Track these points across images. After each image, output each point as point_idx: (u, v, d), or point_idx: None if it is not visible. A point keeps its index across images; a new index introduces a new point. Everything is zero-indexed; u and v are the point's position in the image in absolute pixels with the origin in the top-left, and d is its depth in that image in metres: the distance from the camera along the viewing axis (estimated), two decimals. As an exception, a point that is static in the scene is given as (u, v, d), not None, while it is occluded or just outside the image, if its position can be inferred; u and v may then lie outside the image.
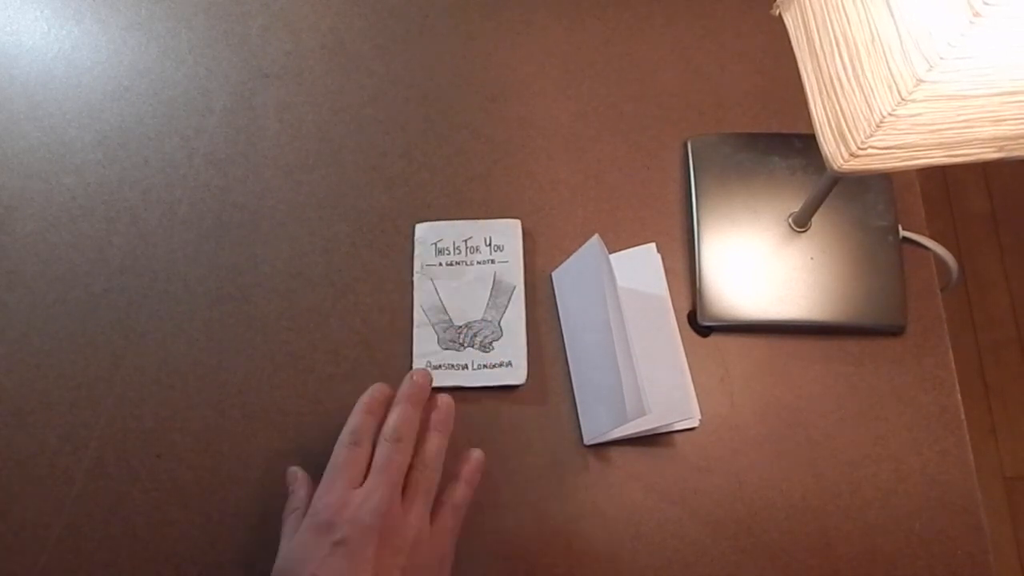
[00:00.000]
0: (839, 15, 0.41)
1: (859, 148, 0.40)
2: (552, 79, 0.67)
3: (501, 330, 0.59)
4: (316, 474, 0.56)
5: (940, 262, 0.60)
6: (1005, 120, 0.38)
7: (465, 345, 0.59)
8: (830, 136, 0.42)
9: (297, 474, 0.52)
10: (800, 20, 0.44)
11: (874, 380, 0.58)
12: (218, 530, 0.55)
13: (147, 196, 0.63)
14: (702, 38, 0.68)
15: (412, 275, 0.61)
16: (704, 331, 0.60)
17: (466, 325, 0.59)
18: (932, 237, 0.60)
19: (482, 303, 0.60)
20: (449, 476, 0.50)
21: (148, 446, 0.57)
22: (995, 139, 0.39)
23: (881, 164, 0.40)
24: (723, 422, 0.57)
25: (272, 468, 0.56)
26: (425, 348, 0.59)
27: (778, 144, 0.63)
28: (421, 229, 0.62)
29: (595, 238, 0.54)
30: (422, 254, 0.61)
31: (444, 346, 0.59)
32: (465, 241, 0.61)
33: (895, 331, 0.59)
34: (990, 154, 0.40)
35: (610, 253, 0.58)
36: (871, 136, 0.39)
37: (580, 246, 0.57)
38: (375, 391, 0.51)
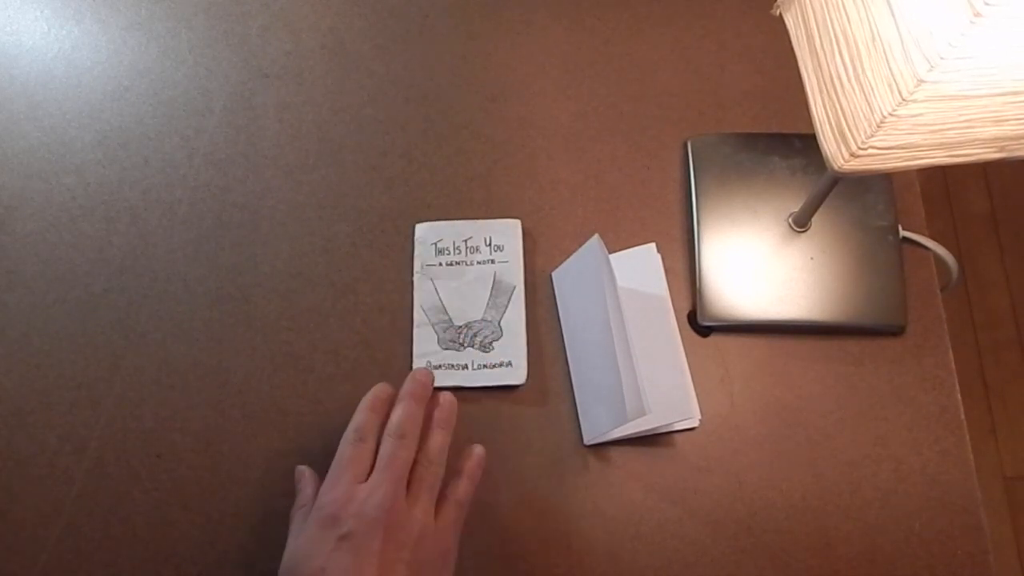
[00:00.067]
0: (839, 14, 0.41)
1: (859, 148, 0.40)
2: (552, 79, 0.67)
3: (501, 330, 0.59)
4: (318, 474, 0.55)
5: (940, 262, 0.60)
6: (1006, 120, 0.38)
7: (465, 345, 0.59)
8: (830, 136, 0.42)
9: (304, 472, 0.52)
10: (800, 20, 0.44)
11: (874, 380, 0.58)
12: (218, 530, 0.55)
13: (147, 196, 0.63)
14: (702, 38, 0.68)
15: (412, 275, 0.61)
16: (704, 331, 0.60)
17: (466, 325, 0.59)
18: (932, 237, 0.60)
19: (482, 303, 0.60)
20: (451, 472, 0.51)
21: (148, 446, 0.57)
22: (996, 139, 0.39)
23: (882, 164, 0.40)
24: (723, 422, 0.57)
25: (272, 468, 0.56)
26: (425, 348, 0.59)
27: (778, 144, 0.63)
28: (421, 229, 0.62)
29: (595, 238, 0.54)
30: (422, 254, 0.61)
31: (444, 346, 0.59)
32: (465, 241, 0.61)
33: (895, 331, 0.59)
34: (991, 154, 0.40)
35: (610, 253, 0.58)
36: (872, 136, 0.39)
37: (580, 246, 0.57)
38: (378, 390, 0.52)
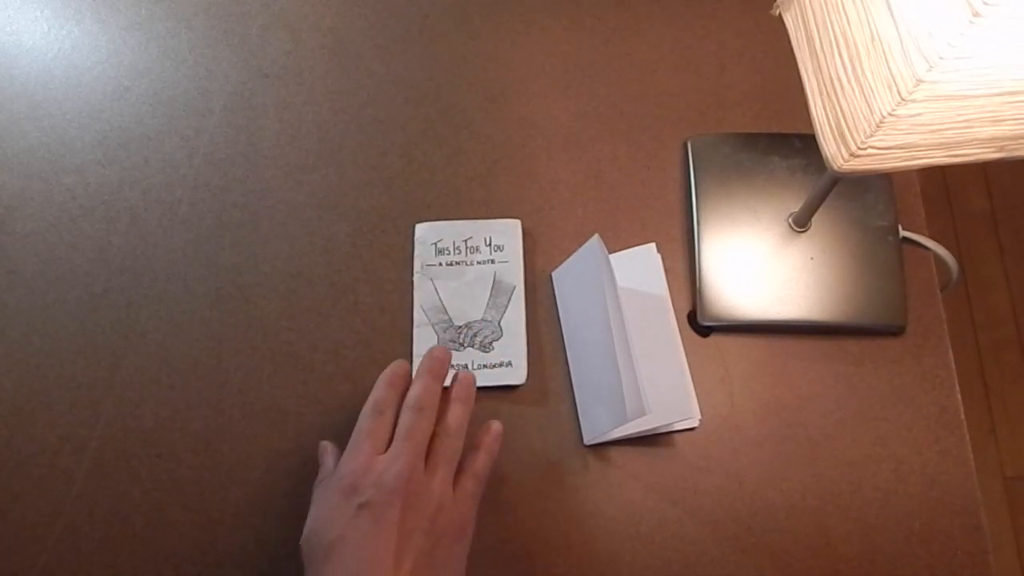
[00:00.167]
0: (839, 15, 0.41)
1: (859, 148, 0.40)
2: (552, 79, 0.67)
3: (501, 330, 0.59)
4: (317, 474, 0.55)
5: (940, 262, 0.60)
6: (1005, 120, 0.38)
7: (465, 345, 0.59)
8: (830, 136, 0.42)
9: (327, 446, 0.53)
10: (800, 20, 0.44)
11: (874, 380, 0.58)
12: (218, 530, 0.55)
13: (147, 196, 0.63)
14: (702, 38, 0.68)
15: (412, 275, 0.61)
16: (704, 331, 0.60)
17: (466, 325, 0.59)
18: (932, 237, 0.60)
19: (482, 303, 0.60)
20: (469, 447, 0.52)
21: (148, 446, 0.57)
22: (995, 139, 0.39)
23: (881, 164, 0.40)
24: (723, 422, 0.57)
25: (272, 468, 0.56)
26: (425, 348, 0.58)
27: (778, 144, 0.63)
28: (421, 229, 0.62)
29: (595, 238, 0.54)
30: (422, 254, 0.61)
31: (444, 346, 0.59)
32: (465, 241, 0.61)
33: (895, 331, 0.59)
34: (990, 154, 0.40)
35: (610, 253, 0.58)
36: (871, 136, 0.39)
37: (580, 246, 0.57)
38: (396, 366, 0.53)
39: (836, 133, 0.41)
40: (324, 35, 0.68)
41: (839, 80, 0.40)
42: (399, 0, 0.70)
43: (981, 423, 1.40)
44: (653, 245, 0.61)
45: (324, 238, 0.62)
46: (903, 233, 0.60)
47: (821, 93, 0.42)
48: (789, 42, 0.45)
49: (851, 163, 0.40)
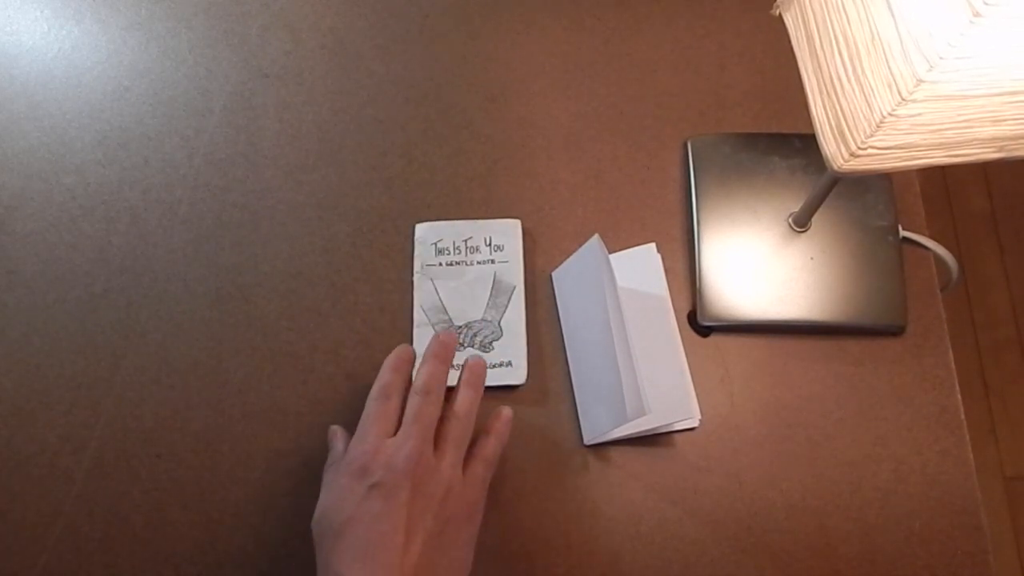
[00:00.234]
0: (839, 15, 0.41)
1: (859, 148, 0.40)
2: (552, 79, 0.67)
3: (501, 330, 0.59)
4: (319, 475, 0.55)
5: (940, 262, 0.60)
6: (1005, 120, 0.38)
7: (465, 345, 0.59)
8: (830, 136, 0.42)
9: (336, 431, 0.54)
10: (800, 20, 0.44)
11: (874, 380, 0.58)
12: (218, 530, 0.55)
13: (147, 196, 0.63)
14: (702, 38, 0.68)
15: (412, 275, 0.61)
16: (704, 331, 0.60)
17: (466, 325, 0.59)
18: (932, 237, 0.60)
19: (482, 303, 0.60)
20: (479, 432, 0.52)
21: (148, 446, 0.57)
22: (995, 139, 0.39)
23: (881, 164, 0.40)
24: (723, 422, 0.57)
25: (272, 468, 0.56)
26: (425, 348, 0.58)
27: (778, 144, 0.63)
28: (421, 229, 0.62)
29: (595, 238, 0.54)
30: (422, 254, 0.61)
31: (444, 346, 0.59)
32: (465, 241, 0.61)
33: (895, 331, 0.59)
34: (990, 154, 0.40)
35: (610, 253, 0.58)
36: (871, 136, 0.39)
37: (580, 246, 0.57)
38: (400, 351, 0.54)
39: (836, 133, 0.41)
40: (324, 35, 0.68)
41: (839, 80, 0.40)
42: (399, 0, 0.70)
43: (981, 423, 1.40)
44: (653, 245, 0.61)
45: (324, 238, 0.62)
46: (903, 233, 0.60)
47: (821, 93, 0.42)
48: (789, 42, 0.45)
49: (851, 163, 0.40)
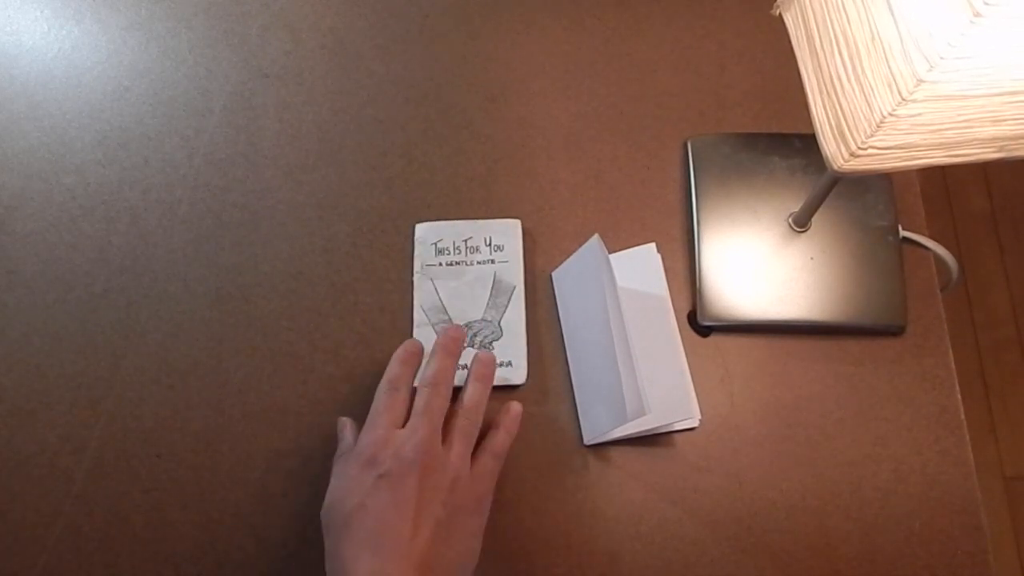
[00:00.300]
0: (839, 15, 0.41)
1: (859, 148, 0.40)
2: (552, 79, 0.67)
3: (501, 330, 0.59)
4: (319, 475, 0.56)
5: (940, 262, 0.60)
6: (1005, 120, 0.38)
7: (465, 345, 0.59)
8: (830, 136, 0.42)
9: (346, 423, 0.54)
10: (800, 20, 0.44)
11: (874, 380, 0.58)
12: (218, 530, 0.55)
13: (147, 196, 0.63)
14: (702, 38, 0.68)
15: (412, 275, 0.61)
16: (704, 331, 0.60)
17: (466, 325, 0.59)
18: (932, 237, 0.60)
19: (482, 303, 0.60)
20: (488, 426, 0.53)
21: (148, 446, 0.57)
22: (995, 139, 0.39)
23: (881, 164, 0.40)
24: (723, 422, 0.57)
25: (272, 468, 0.56)
26: (425, 348, 0.58)
27: (778, 144, 0.63)
28: (421, 229, 0.62)
29: (595, 238, 0.54)
30: (422, 254, 0.61)
31: (444, 346, 0.59)
32: (465, 241, 0.61)
33: (895, 331, 0.59)
34: (990, 154, 0.40)
35: (610, 253, 0.58)
36: (871, 136, 0.39)
37: (580, 246, 0.57)
38: (408, 344, 0.55)
39: (836, 133, 0.41)
40: (324, 35, 0.68)
41: (839, 80, 0.40)
42: (399, 0, 0.70)
43: (981, 423, 1.40)
44: (653, 245, 0.61)
45: (324, 238, 0.62)
46: (903, 233, 0.60)
47: (821, 93, 0.42)
48: (789, 42, 0.45)
49: (851, 163, 0.40)
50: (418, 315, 0.60)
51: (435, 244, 0.61)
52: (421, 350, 0.55)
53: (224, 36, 0.68)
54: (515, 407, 0.55)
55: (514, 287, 0.60)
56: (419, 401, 0.51)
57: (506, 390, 0.58)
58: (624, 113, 0.66)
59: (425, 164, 0.64)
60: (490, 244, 0.61)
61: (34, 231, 0.62)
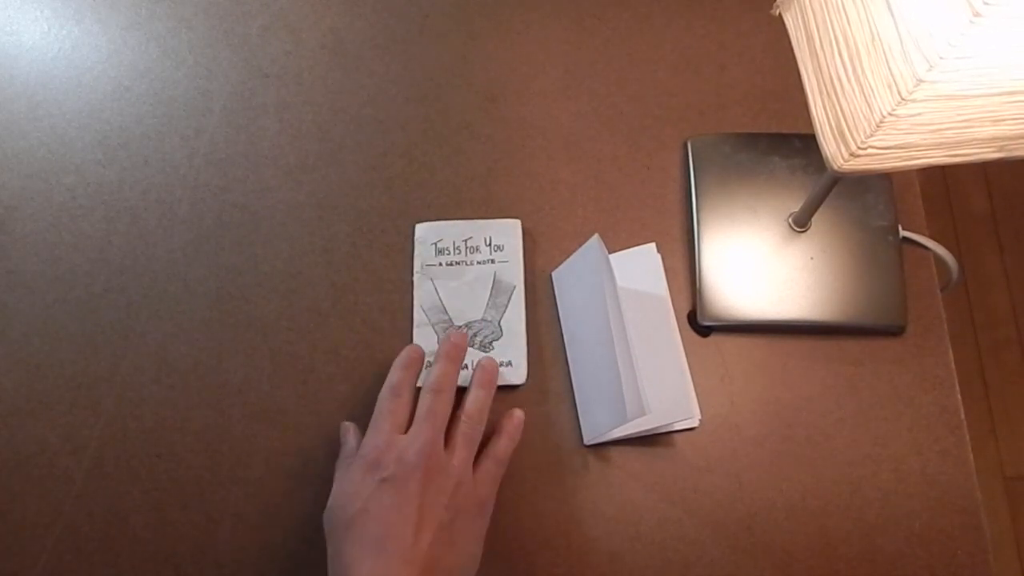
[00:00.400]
0: (839, 15, 0.41)
1: (859, 148, 0.40)
2: (552, 79, 0.67)
3: (501, 330, 0.59)
4: (320, 475, 0.56)
5: (940, 262, 0.60)
6: (1005, 120, 0.38)
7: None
8: (830, 136, 0.42)
9: (349, 427, 0.55)
10: (800, 20, 0.44)
11: (874, 380, 0.58)
12: (218, 530, 0.55)
13: (147, 196, 0.63)
14: (702, 38, 0.68)
15: (412, 275, 0.61)
16: (704, 331, 0.60)
17: (466, 325, 0.59)
18: (932, 237, 0.60)
19: (482, 303, 0.60)
20: (491, 432, 0.54)
21: (148, 446, 0.57)
22: (995, 139, 0.39)
23: (881, 164, 0.40)
24: (723, 422, 0.57)
25: (272, 468, 0.56)
26: (425, 348, 0.58)
27: (778, 144, 0.63)
28: (421, 229, 0.62)
29: (595, 238, 0.54)
30: (422, 254, 0.61)
31: (444, 346, 0.59)
32: (465, 241, 0.61)
33: (895, 331, 0.59)
34: (990, 154, 0.40)
35: (610, 253, 0.58)
36: (871, 136, 0.39)
37: (580, 246, 0.57)
38: (410, 350, 0.55)
39: (836, 133, 0.41)
40: (324, 35, 0.68)
41: (839, 80, 0.40)
42: (399, 0, 0.70)
43: (981, 423, 1.40)
44: (653, 245, 0.61)
45: (324, 238, 0.62)
46: (903, 233, 0.60)
47: (821, 93, 0.42)
48: (789, 42, 0.45)
49: (851, 163, 0.40)
50: (418, 315, 0.60)
51: (435, 244, 0.61)
52: (422, 355, 0.56)
53: (224, 36, 0.68)
54: (517, 414, 0.55)
55: (514, 287, 0.60)
56: (422, 406, 0.51)
57: (506, 390, 0.58)
58: (624, 113, 0.66)
59: (425, 164, 0.64)
60: (490, 244, 0.61)
61: (34, 231, 0.62)
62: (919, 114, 0.37)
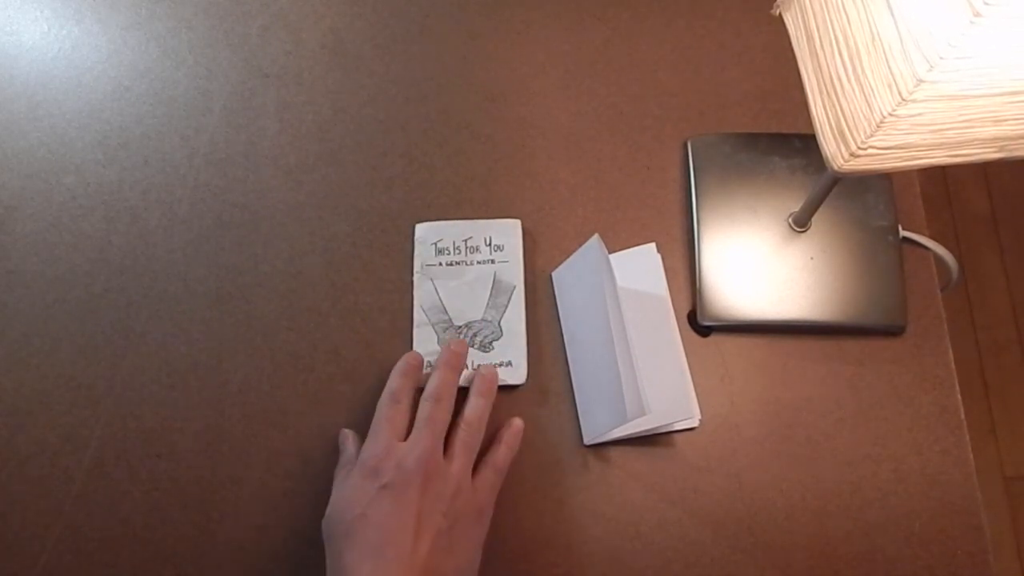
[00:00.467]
0: (839, 15, 0.41)
1: (859, 148, 0.40)
2: (552, 79, 0.67)
3: (501, 330, 0.59)
4: (319, 475, 0.56)
5: (940, 262, 0.60)
6: (1006, 120, 0.38)
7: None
8: (830, 136, 0.42)
9: (348, 435, 0.55)
10: (800, 20, 0.44)
11: (874, 380, 0.58)
12: (218, 530, 0.55)
13: (147, 196, 0.63)
14: (702, 38, 0.68)
15: (412, 275, 0.61)
16: (704, 331, 0.60)
17: (466, 325, 0.59)
18: (932, 237, 0.60)
19: (482, 303, 0.60)
20: (490, 441, 0.54)
21: (148, 446, 0.57)
22: (996, 139, 0.39)
23: (881, 164, 0.40)
24: (723, 422, 0.57)
25: (272, 468, 0.56)
26: (425, 348, 0.59)
27: (778, 144, 0.63)
28: (421, 229, 0.62)
29: (595, 238, 0.54)
30: (422, 254, 0.61)
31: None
32: (465, 241, 0.61)
33: (895, 331, 0.59)
34: (991, 154, 0.40)
35: (610, 253, 0.58)
36: (871, 136, 0.39)
37: (580, 246, 0.57)
38: (409, 357, 0.56)
39: (836, 133, 0.41)
40: (324, 35, 0.68)
41: (839, 80, 0.40)
42: (399, 0, 0.70)
43: (981, 423, 1.40)
44: (653, 245, 0.61)
45: (324, 238, 0.62)
46: (903, 233, 0.60)
47: (821, 93, 0.42)
48: (789, 42, 0.45)
49: (851, 163, 0.40)
50: (418, 315, 0.60)
51: (435, 244, 0.61)
52: (422, 362, 0.56)
53: (224, 36, 0.68)
54: (517, 423, 0.55)
55: (514, 287, 0.60)
56: (421, 413, 0.51)
57: (506, 390, 0.58)
58: (624, 113, 0.66)
59: (425, 164, 0.64)
60: (490, 244, 0.61)
61: (34, 231, 0.62)
62: (919, 114, 0.37)
